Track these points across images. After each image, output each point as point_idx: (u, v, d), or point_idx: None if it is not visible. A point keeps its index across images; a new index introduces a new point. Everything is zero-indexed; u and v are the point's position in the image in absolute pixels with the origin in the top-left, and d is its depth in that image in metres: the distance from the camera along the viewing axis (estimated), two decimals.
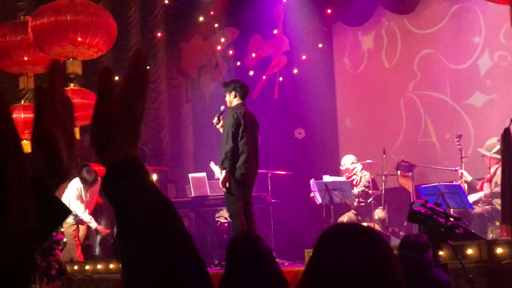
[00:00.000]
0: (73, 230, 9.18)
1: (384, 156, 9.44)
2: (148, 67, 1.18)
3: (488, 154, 8.55)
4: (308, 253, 6.74)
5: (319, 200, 9.23)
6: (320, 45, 12.30)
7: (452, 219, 4.24)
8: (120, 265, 1.03)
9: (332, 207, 9.23)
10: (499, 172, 7.76)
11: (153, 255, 0.99)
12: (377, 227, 9.01)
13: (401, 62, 11.56)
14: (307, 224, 10.52)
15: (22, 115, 9.85)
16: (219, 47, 13.05)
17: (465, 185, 8.80)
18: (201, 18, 12.77)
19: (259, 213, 8.96)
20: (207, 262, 8.91)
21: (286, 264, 8.29)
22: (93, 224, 9.35)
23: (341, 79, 12.33)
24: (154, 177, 10.76)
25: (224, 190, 7.31)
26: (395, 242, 7.32)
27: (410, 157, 10.13)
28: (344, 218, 9.41)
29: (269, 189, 9.82)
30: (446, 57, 11.02)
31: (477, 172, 9.26)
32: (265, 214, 9.64)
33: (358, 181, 9.63)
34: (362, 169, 9.72)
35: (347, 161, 9.80)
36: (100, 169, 8.90)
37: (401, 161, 9.68)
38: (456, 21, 11.01)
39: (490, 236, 8.09)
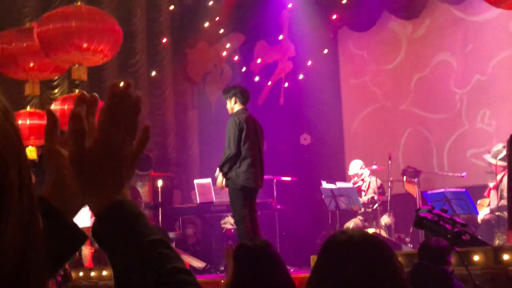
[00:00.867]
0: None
1: (390, 162, 9.42)
2: (136, 103, 1.03)
3: (493, 161, 8.42)
4: (313, 259, 6.71)
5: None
6: (326, 51, 12.29)
7: (459, 226, 4.21)
8: None
9: (338, 212, 9.21)
10: (505, 180, 7.66)
11: None
12: (383, 233, 8.98)
13: (406, 67, 11.54)
14: (313, 230, 10.50)
15: (28, 122, 9.88)
16: (224, 53, 13.04)
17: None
18: (206, 24, 12.76)
19: (264, 219, 8.95)
20: (212, 268, 8.89)
21: (292, 270, 8.25)
22: None
23: (346, 84, 12.31)
24: (160, 183, 10.76)
25: (219, 189, 7.25)
26: (406, 250, 7.28)
27: (416, 163, 10.09)
28: (350, 224, 9.39)
29: (275, 195, 9.81)
30: (453, 62, 11.00)
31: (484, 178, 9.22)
32: (271, 220, 9.61)
33: (367, 187, 9.61)
34: (370, 174, 9.70)
35: (356, 166, 9.78)
36: None
37: (407, 167, 9.63)
38: (461, 29, 10.99)
39: (497, 242, 8.02)
